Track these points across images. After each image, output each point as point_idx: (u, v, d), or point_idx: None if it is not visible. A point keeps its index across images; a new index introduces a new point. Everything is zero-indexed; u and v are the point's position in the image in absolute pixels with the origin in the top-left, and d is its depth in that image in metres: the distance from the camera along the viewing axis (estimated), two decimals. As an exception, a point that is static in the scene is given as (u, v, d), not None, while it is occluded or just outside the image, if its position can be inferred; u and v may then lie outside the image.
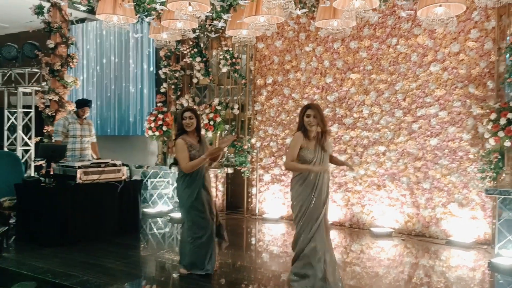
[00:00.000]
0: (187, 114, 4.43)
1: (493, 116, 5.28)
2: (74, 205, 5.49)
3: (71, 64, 7.51)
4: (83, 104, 6.45)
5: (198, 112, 7.57)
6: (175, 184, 7.70)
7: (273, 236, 6.43)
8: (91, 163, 5.81)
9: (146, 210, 7.58)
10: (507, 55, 5.47)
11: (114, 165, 6.01)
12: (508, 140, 5.14)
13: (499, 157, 5.49)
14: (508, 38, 5.52)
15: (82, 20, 9.53)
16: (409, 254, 5.49)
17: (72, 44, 7.59)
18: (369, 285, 4.24)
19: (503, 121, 5.15)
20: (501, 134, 5.17)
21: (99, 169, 5.79)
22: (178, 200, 4.53)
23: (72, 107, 7.15)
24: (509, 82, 5.49)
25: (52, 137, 6.68)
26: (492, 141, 5.31)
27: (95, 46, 9.52)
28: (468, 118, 5.97)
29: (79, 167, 5.58)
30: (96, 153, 6.73)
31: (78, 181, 5.53)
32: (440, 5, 4.55)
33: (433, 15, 4.74)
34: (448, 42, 6.11)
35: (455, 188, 6.04)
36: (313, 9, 6.46)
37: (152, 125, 7.91)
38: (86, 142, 6.44)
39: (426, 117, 6.26)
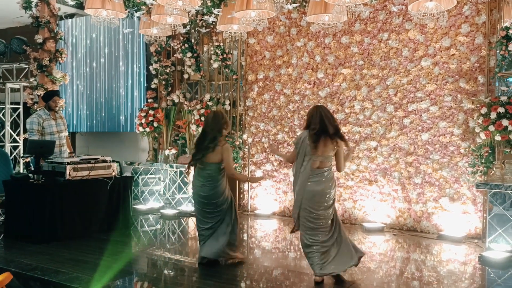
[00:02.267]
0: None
1: (483, 110, 5.30)
2: (63, 202, 5.42)
3: (59, 59, 7.42)
4: (51, 94, 6.27)
5: (189, 108, 7.58)
6: (166, 181, 7.71)
7: (265, 232, 6.41)
8: (81, 159, 5.75)
9: (137, 206, 7.52)
10: (498, 50, 5.48)
11: (104, 161, 5.95)
12: (498, 134, 5.16)
13: (490, 151, 5.52)
14: (498, 32, 5.53)
15: (72, 16, 9.43)
16: (401, 248, 5.50)
17: (61, 39, 7.50)
18: (361, 280, 4.23)
19: (493, 115, 5.17)
20: (491, 128, 5.19)
21: (89, 165, 5.73)
22: (220, 199, 4.59)
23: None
24: (500, 76, 5.51)
25: (29, 137, 6.42)
26: (482, 136, 5.33)
27: (84, 42, 9.42)
28: (459, 112, 5.99)
29: (69, 164, 5.51)
30: (69, 146, 6.58)
31: (68, 177, 5.47)
32: (431, 0, 4.55)
33: (424, 10, 4.75)
34: (439, 36, 6.12)
35: (446, 183, 6.06)
36: (304, 3, 6.45)
37: (143, 121, 7.85)
38: (63, 137, 6.31)
39: (417, 112, 6.27)
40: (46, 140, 6.04)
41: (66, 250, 4.98)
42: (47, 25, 7.27)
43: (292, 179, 4.49)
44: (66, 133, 6.49)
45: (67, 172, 5.47)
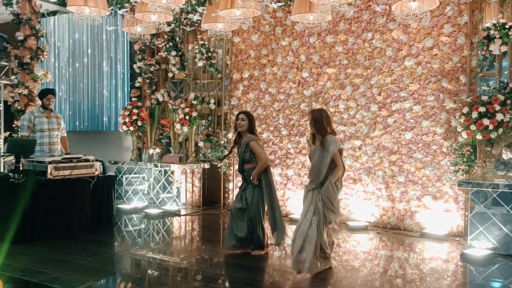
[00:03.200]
0: (240, 115, 4.92)
1: (465, 110, 5.36)
2: (44, 202, 5.34)
3: (41, 57, 7.32)
4: (46, 92, 6.26)
5: (173, 107, 7.53)
6: (151, 180, 7.64)
7: (249, 231, 6.40)
8: (62, 158, 5.67)
9: (120, 206, 7.45)
10: (479, 50, 5.55)
11: (87, 160, 5.88)
12: (479, 133, 5.23)
13: (471, 150, 5.59)
14: (480, 33, 5.61)
15: (54, 13, 9.30)
16: (385, 247, 5.54)
17: (42, 36, 7.39)
18: (345, 278, 4.25)
19: (474, 114, 5.23)
20: (473, 127, 5.25)
21: (71, 164, 5.65)
22: (267, 193, 4.91)
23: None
24: (481, 76, 5.58)
25: (19, 132, 6.46)
26: (464, 135, 5.39)
27: (67, 39, 9.30)
28: (442, 112, 6.05)
29: (50, 163, 5.43)
30: (66, 148, 6.55)
31: (49, 176, 5.39)
32: (414, 0, 4.59)
33: (407, 10, 4.79)
34: (422, 37, 6.18)
35: (429, 181, 6.13)
36: (289, 2, 6.45)
37: (127, 120, 7.78)
38: (55, 136, 6.27)
39: (401, 111, 6.32)
40: (27, 139, 5.95)
41: (47, 251, 4.90)
42: (28, 22, 7.16)
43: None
44: (61, 133, 6.44)
45: (49, 171, 5.39)
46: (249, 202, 4.91)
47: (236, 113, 7.60)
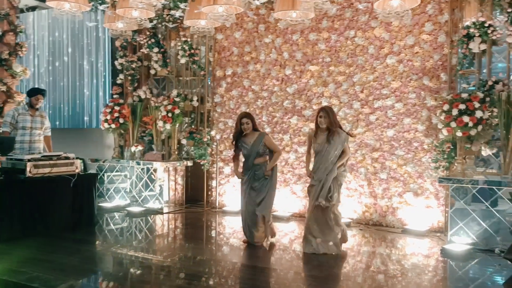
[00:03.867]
0: (244, 120, 5.23)
1: (445, 107, 5.43)
2: (23, 200, 5.25)
3: (20, 53, 7.18)
4: (36, 92, 6.22)
5: (156, 104, 7.47)
6: (133, 178, 7.57)
7: (233, 228, 6.38)
8: (42, 156, 5.57)
9: (102, 204, 7.36)
10: (459, 48, 5.63)
11: (67, 158, 5.80)
12: (459, 130, 5.31)
13: (452, 147, 5.67)
14: (460, 31, 5.69)
15: (33, 8, 9.14)
16: (367, 243, 5.59)
17: (21, 32, 7.25)
18: (329, 274, 4.27)
19: (455, 112, 5.30)
20: (453, 124, 5.33)
21: (51, 162, 5.56)
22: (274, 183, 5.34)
23: (21, 98, 6.84)
24: (461, 74, 5.67)
25: (0, 128, 6.36)
26: (445, 132, 5.47)
27: (47, 35, 9.15)
28: (423, 109, 6.13)
29: (29, 160, 5.34)
30: (49, 147, 6.47)
31: (28, 174, 5.30)
32: (396, -2, 4.64)
33: (389, 8, 4.84)
34: (404, 35, 6.24)
35: (410, 178, 6.20)
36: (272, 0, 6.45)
37: (108, 117, 7.69)
38: (36, 134, 6.17)
39: (383, 109, 6.38)
40: (5, 136, 5.86)
41: (27, 249, 4.81)
42: (6, 17, 7.02)
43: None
44: (45, 133, 6.35)
45: (28, 169, 5.30)
46: (265, 192, 5.22)
47: (219, 110, 7.62)
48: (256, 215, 5.19)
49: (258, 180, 5.23)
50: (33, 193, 5.36)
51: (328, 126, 4.86)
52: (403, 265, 4.63)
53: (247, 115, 5.30)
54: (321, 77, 6.80)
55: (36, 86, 8.55)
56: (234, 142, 5.36)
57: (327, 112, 4.87)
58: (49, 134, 6.50)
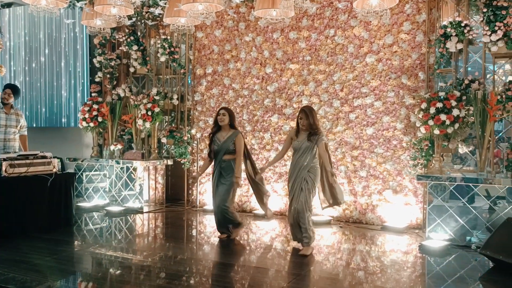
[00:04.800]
0: (221, 111, 5.30)
1: (423, 105, 5.51)
2: (-1, 200, 5.14)
3: (-5, 50, 7.01)
4: (4, 87, 6.10)
5: (135, 103, 7.39)
6: (112, 177, 7.48)
7: (214, 227, 6.35)
8: (18, 155, 5.46)
9: (81, 204, 7.26)
10: (436, 47, 5.72)
11: (44, 157, 5.69)
12: (437, 128, 5.39)
13: (430, 145, 5.76)
14: (437, 30, 5.78)
15: (9, 5, 8.93)
16: (347, 240, 5.63)
17: (-4, 28, 7.08)
18: (309, 271, 4.30)
19: (432, 110, 5.38)
20: (431, 122, 5.41)
21: (27, 161, 5.45)
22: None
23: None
24: (438, 73, 5.75)
25: None
26: (423, 130, 5.55)
27: (24, 33, 8.96)
28: (401, 108, 6.20)
29: (5, 160, 5.22)
30: (25, 147, 6.35)
31: (4, 174, 5.18)
32: (375, -3, 4.68)
33: (368, 7, 4.88)
34: (383, 34, 6.30)
35: (389, 176, 6.27)
36: (252, -2, 6.44)
37: (87, 116, 7.58)
38: (11, 133, 6.05)
39: (363, 107, 6.44)
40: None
41: (2, 250, 4.71)
42: (-20, 13, 6.83)
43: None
44: (21, 131, 6.22)
45: (3, 168, 5.19)
46: (223, 189, 5.28)
47: (199, 108, 7.58)
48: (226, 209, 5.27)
49: (225, 177, 5.29)
50: (9, 193, 5.24)
51: (307, 128, 4.87)
52: (383, 261, 4.69)
53: (226, 108, 5.40)
54: (301, 76, 6.82)
55: (10, 83, 8.37)
56: (210, 136, 5.44)
57: (306, 113, 4.85)
58: (25, 133, 6.38)
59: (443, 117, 5.31)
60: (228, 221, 5.39)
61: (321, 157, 4.87)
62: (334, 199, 5.05)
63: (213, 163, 5.50)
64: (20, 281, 3.79)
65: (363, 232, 5.95)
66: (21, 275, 3.93)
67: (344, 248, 5.29)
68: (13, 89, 6.18)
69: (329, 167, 4.92)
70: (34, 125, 8.91)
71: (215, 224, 5.52)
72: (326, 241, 5.55)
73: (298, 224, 4.86)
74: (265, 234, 5.90)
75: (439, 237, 5.29)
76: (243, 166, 5.39)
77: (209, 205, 7.38)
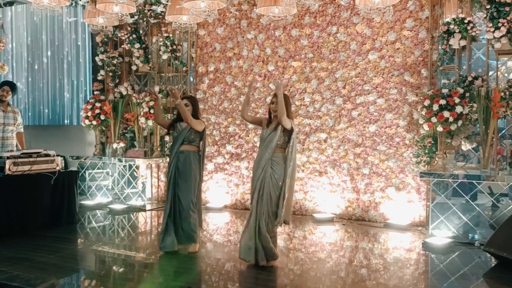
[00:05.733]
0: (184, 101, 4.71)
1: (426, 102, 5.50)
2: (2, 198, 5.15)
3: (-3, 48, 7.02)
4: (1, 84, 6.09)
5: (138, 101, 7.38)
6: (115, 175, 7.49)
7: (216, 225, 6.37)
8: (21, 153, 5.47)
9: (84, 202, 7.27)
10: (440, 44, 5.70)
11: (47, 155, 5.70)
12: (440, 125, 5.38)
13: (433, 142, 5.75)
14: (440, 27, 5.75)
15: (11, 3, 8.94)
16: (350, 238, 5.63)
17: (-2, 27, 7.09)
18: (311, 269, 4.30)
19: (435, 107, 5.37)
20: (434, 119, 5.40)
21: (31, 159, 5.46)
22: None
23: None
24: (441, 70, 5.74)
25: None
26: (426, 127, 5.54)
27: (26, 31, 8.96)
28: (404, 105, 6.19)
29: (8, 158, 5.23)
30: (22, 144, 6.35)
31: (7, 172, 5.19)
32: (378, -6, 4.67)
33: (371, 4, 4.86)
34: (385, 31, 6.29)
35: (392, 173, 6.26)
36: (254, -5, 6.43)
37: (89, 114, 7.59)
38: (9, 131, 6.05)
39: (365, 105, 6.42)
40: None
41: (6, 248, 4.73)
42: (-18, 12, 6.84)
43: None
44: (18, 129, 6.21)
45: (7, 166, 5.20)
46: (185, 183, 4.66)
47: (201, 106, 7.57)
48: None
49: (180, 175, 4.68)
50: (12, 191, 5.26)
51: (278, 114, 4.22)
52: (386, 259, 4.68)
53: (189, 97, 4.86)
54: (303, 73, 6.81)
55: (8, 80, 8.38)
56: (172, 122, 4.91)
57: (280, 98, 4.21)
58: (22, 130, 6.38)
59: (446, 114, 5.30)
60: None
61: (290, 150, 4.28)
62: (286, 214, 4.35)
63: (170, 152, 4.99)
64: (25, 279, 3.81)
65: (365, 230, 5.95)
66: (25, 273, 3.95)
67: (347, 245, 5.28)
68: (11, 86, 6.17)
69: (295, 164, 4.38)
70: (37, 117, 8.91)
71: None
72: (328, 239, 5.54)
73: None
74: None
75: (442, 234, 5.28)
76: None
77: (212, 203, 7.39)
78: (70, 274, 4.14)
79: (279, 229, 5.87)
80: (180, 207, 4.67)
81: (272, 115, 4.41)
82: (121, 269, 4.35)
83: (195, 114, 4.75)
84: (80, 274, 4.25)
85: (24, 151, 5.70)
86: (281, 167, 4.29)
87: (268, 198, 4.23)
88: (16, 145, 6.32)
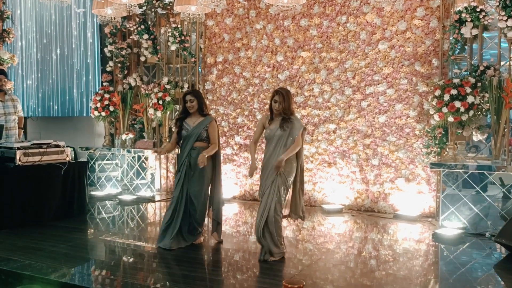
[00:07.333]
0: (187, 97, 4.62)
1: (437, 92, 5.43)
2: (13, 188, 5.20)
3: (7, 39, 7.07)
4: None
5: (146, 92, 7.39)
6: (124, 166, 7.52)
7: (225, 216, 6.37)
8: (32, 144, 5.51)
9: (94, 193, 7.32)
10: (451, 33, 5.62)
11: (57, 146, 5.73)
12: (451, 116, 5.32)
13: (443, 132, 5.69)
14: (451, 16, 5.67)
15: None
16: (359, 229, 5.61)
17: (8, 18, 7.12)
18: (320, 259, 4.29)
19: (446, 97, 5.31)
20: (445, 110, 5.33)
21: (41, 150, 5.50)
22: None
23: (9, 85, 6.72)
24: (453, 59, 5.66)
25: None
26: (436, 117, 5.48)
27: (35, 22, 8.98)
28: (414, 95, 6.13)
29: (19, 148, 5.27)
30: (20, 125, 6.37)
31: (18, 163, 5.23)
32: (388, -18, 4.60)
33: (381, -7, 4.80)
34: (396, 20, 6.21)
35: (402, 164, 6.22)
36: (263, -15, 6.37)
37: (98, 105, 7.61)
38: (11, 120, 6.08)
39: (375, 95, 6.37)
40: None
41: (17, 238, 4.78)
42: (-8, 3, 6.87)
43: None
44: (16, 117, 6.21)
45: (17, 157, 5.24)
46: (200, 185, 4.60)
47: (210, 97, 7.56)
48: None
49: (194, 173, 4.57)
50: (23, 182, 5.30)
51: (281, 112, 4.23)
52: (395, 250, 4.66)
53: (192, 92, 4.67)
54: (312, 64, 6.76)
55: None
56: (176, 123, 4.72)
57: (283, 96, 4.20)
58: (22, 114, 6.43)
59: (457, 104, 5.23)
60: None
61: (295, 147, 4.21)
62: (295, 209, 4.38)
63: (179, 151, 4.79)
64: (36, 268, 3.85)
65: (375, 221, 5.92)
66: (36, 262, 3.99)
67: (356, 236, 5.27)
68: (5, 75, 6.15)
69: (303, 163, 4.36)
70: (47, 108, 8.96)
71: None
72: (337, 230, 5.53)
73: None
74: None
75: (452, 225, 5.24)
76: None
77: (221, 194, 7.40)
78: (81, 263, 4.17)
79: (285, 223, 5.88)
80: (192, 203, 4.58)
81: (274, 113, 4.31)
82: (131, 259, 4.38)
83: (202, 108, 4.62)
84: (90, 263, 4.28)
85: (35, 141, 5.72)
86: (291, 165, 4.23)
87: (276, 193, 4.17)
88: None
